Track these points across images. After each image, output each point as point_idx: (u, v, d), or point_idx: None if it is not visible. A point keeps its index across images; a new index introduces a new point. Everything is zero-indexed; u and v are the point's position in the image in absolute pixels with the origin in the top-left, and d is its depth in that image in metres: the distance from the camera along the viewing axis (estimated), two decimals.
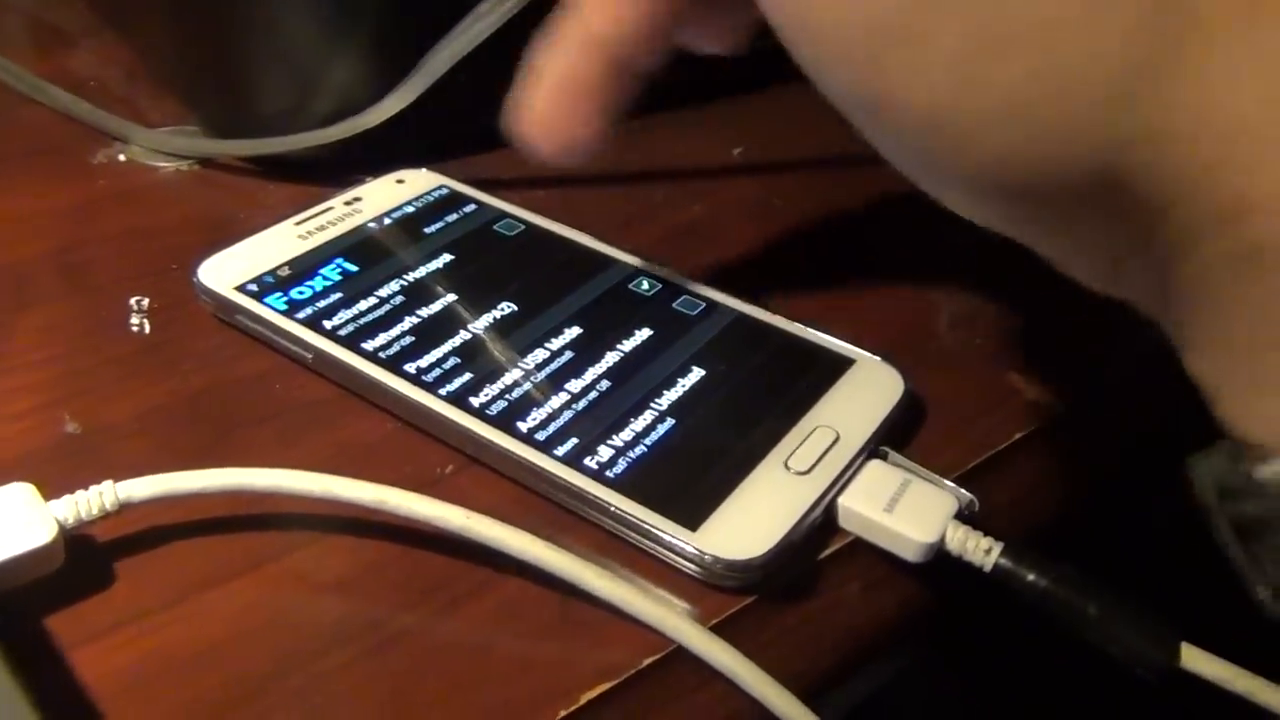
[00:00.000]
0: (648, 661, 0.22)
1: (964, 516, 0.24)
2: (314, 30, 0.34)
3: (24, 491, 0.22)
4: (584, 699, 0.21)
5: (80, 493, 0.22)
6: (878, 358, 0.28)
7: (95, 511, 0.22)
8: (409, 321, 0.28)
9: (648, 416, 0.26)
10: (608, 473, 0.24)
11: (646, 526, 0.23)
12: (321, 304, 0.29)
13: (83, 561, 0.22)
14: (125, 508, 0.22)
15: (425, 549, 0.24)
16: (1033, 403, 0.29)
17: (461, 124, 0.37)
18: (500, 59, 0.32)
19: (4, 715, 0.17)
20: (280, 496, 0.23)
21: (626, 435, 0.25)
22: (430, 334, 0.28)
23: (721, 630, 0.22)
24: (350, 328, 0.28)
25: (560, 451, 0.25)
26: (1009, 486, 0.27)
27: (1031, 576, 0.23)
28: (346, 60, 0.35)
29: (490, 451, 0.25)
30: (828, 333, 0.29)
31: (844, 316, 0.31)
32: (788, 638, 0.23)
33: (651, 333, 0.29)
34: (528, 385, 0.27)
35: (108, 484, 0.22)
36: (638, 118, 0.41)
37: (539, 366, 0.27)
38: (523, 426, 0.25)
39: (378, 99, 0.34)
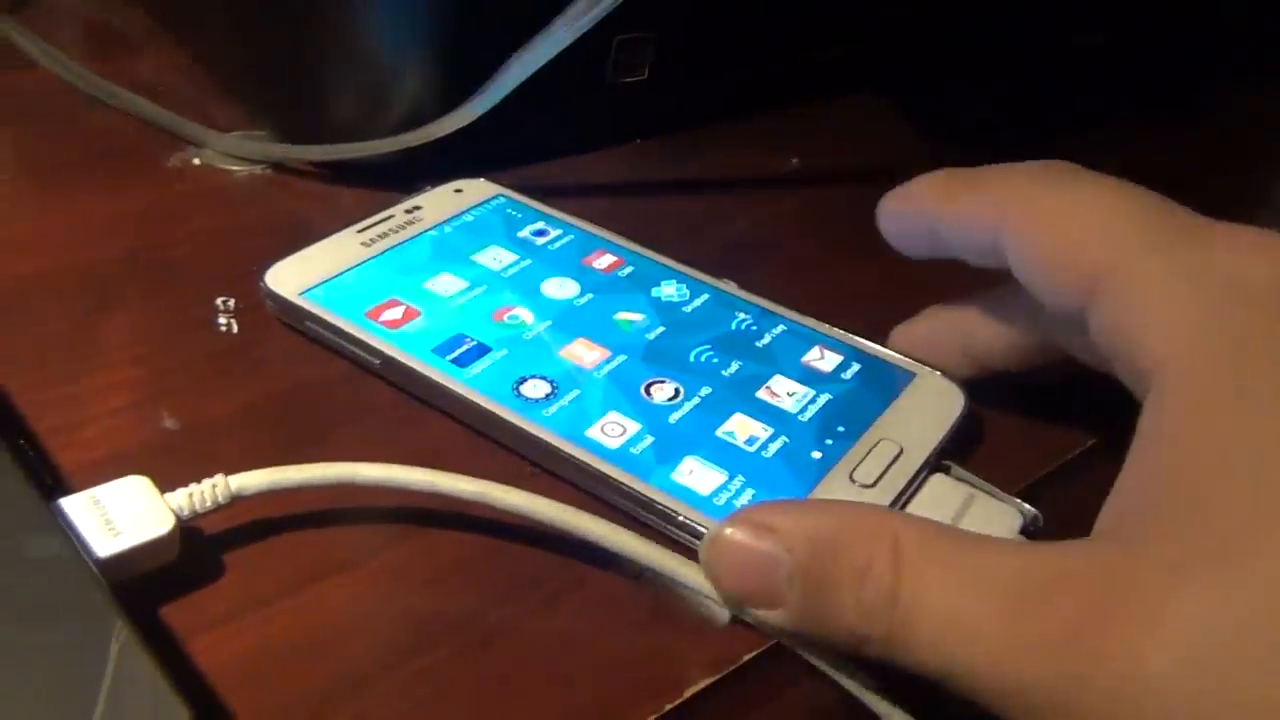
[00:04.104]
0: (748, 657, 0.22)
1: (1028, 531, 0.25)
2: (386, 40, 0.35)
3: (140, 484, 0.22)
4: (688, 693, 0.21)
5: (194, 485, 0.23)
6: (938, 372, 0.29)
7: (209, 504, 0.22)
8: (473, 329, 0.29)
9: (714, 426, 0.26)
10: (675, 482, 0.25)
11: None
12: (387, 311, 0.29)
13: (193, 553, 0.23)
14: (236, 500, 0.23)
15: (519, 544, 0.24)
16: (1092, 413, 0.30)
17: (520, 133, 0.38)
18: (559, 73, 0.33)
19: (149, 697, 0.18)
20: (378, 492, 0.24)
21: (694, 445, 0.26)
22: (495, 341, 0.28)
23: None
24: (416, 334, 0.28)
25: (627, 461, 0.25)
26: (1071, 499, 0.28)
27: None
28: (417, 69, 0.36)
29: (559, 459, 0.25)
30: (886, 346, 0.30)
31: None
32: None
33: (713, 344, 0.29)
34: (594, 394, 0.27)
35: (220, 477, 0.23)
36: (693, 129, 0.43)
37: (603, 376, 0.28)
38: (590, 435, 0.26)
39: (445, 108, 0.35)
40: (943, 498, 0.25)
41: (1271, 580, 0.17)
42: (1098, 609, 0.18)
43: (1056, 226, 0.24)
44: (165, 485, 0.23)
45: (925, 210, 0.27)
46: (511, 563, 0.24)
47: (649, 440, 0.26)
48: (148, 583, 0.22)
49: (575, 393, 0.27)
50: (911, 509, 0.25)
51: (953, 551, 0.20)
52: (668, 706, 0.21)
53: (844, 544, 0.20)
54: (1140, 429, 0.21)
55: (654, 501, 0.24)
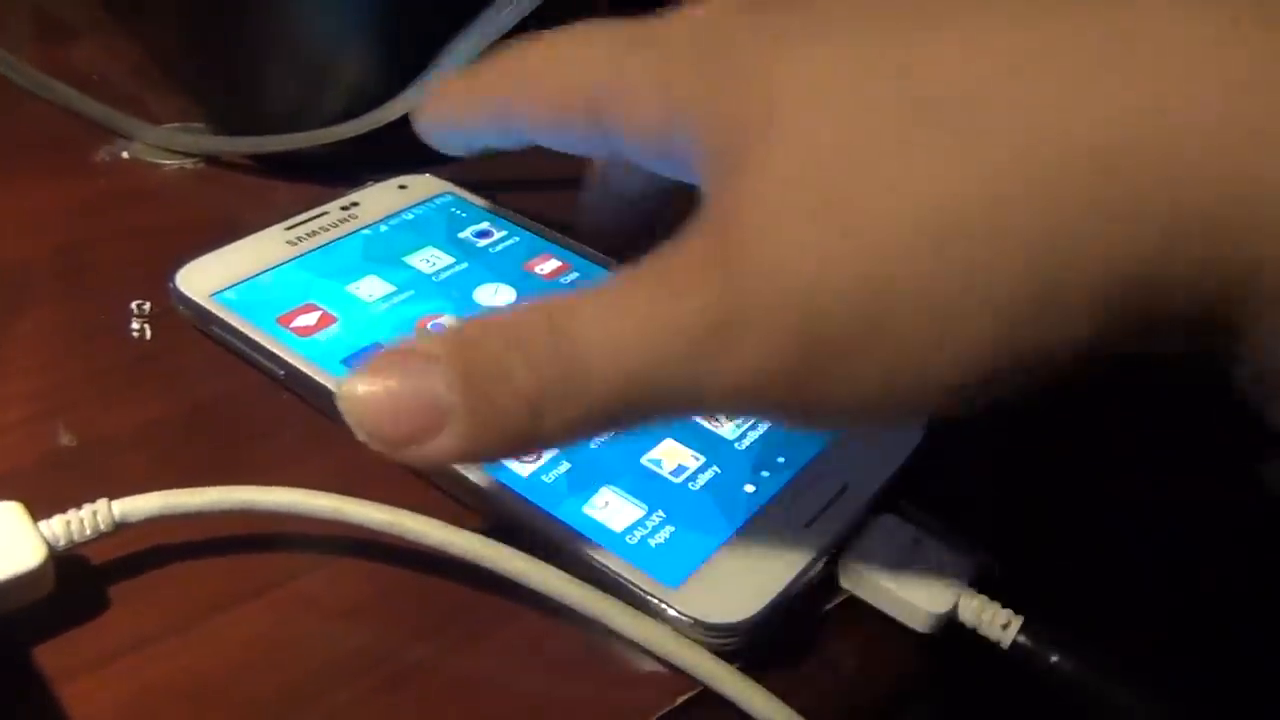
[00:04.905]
0: (681, 700, 0.20)
1: (984, 579, 0.22)
2: (324, 26, 0.33)
3: (10, 511, 0.20)
4: None
5: (73, 512, 0.21)
6: None
7: (89, 532, 0.20)
8: (395, 340, 0.26)
9: (640, 452, 0.24)
10: (587, 516, 0.22)
11: (625, 583, 0.21)
12: (301, 317, 0.27)
13: (75, 585, 0.21)
14: (122, 527, 0.21)
15: (440, 575, 0.22)
16: (1061, 454, 0.27)
17: None
18: None
19: None
20: (288, 517, 0.22)
21: (613, 474, 0.23)
22: None
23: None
24: (327, 343, 0.26)
25: (536, 490, 0.23)
26: (1037, 541, 0.26)
27: (1055, 658, 0.21)
28: (357, 57, 0.33)
29: (459, 485, 0.23)
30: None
31: None
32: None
33: None
34: None
35: (102, 502, 0.21)
36: None
37: None
38: (507, 464, 0.23)
39: (389, 97, 0.33)
40: (888, 541, 0.23)
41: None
42: (726, 233, 0.18)
43: (543, 83, 0.24)
44: (51, 510, 0.21)
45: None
46: (430, 596, 0.22)
47: (564, 467, 0.23)
48: (21, 619, 0.20)
49: None
50: (855, 550, 0.22)
51: (598, 285, 0.19)
52: None
53: (494, 324, 0.19)
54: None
55: (552, 536, 0.22)
